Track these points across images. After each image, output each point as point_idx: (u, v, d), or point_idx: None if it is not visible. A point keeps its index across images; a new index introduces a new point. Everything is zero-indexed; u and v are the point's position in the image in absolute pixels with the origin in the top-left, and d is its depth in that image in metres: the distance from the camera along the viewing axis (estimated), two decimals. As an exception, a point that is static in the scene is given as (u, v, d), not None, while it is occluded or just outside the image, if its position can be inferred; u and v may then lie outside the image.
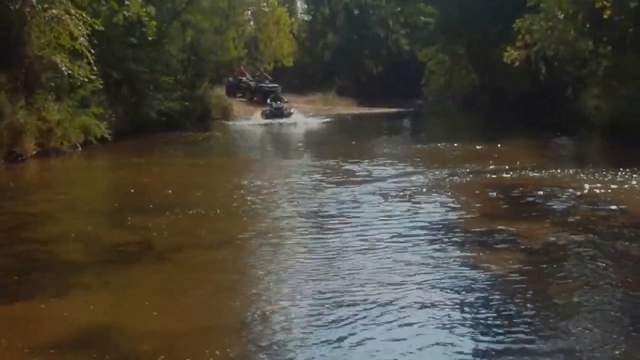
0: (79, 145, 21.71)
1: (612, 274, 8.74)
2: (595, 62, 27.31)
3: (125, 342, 6.68)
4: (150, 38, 27.78)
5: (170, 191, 15.20)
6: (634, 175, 15.50)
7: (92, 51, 20.91)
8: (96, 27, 21.46)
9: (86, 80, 21.79)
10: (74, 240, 10.77)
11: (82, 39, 20.43)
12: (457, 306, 7.53)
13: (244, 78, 45.99)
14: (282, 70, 49.16)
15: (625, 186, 14.51)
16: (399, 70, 54.89)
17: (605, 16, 24.09)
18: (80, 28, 20.55)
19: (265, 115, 34.37)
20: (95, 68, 21.43)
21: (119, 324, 7.10)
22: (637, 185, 14.51)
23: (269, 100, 36.36)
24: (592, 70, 27.53)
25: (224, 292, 8.27)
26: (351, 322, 7.04)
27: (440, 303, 7.62)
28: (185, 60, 33.56)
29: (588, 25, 26.89)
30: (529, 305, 7.59)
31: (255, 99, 41.57)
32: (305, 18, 64.19)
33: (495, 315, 7.28)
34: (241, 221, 11.99)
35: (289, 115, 34.62)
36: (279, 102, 35.79)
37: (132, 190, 15.43)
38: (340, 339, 6.65)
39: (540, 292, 7.97)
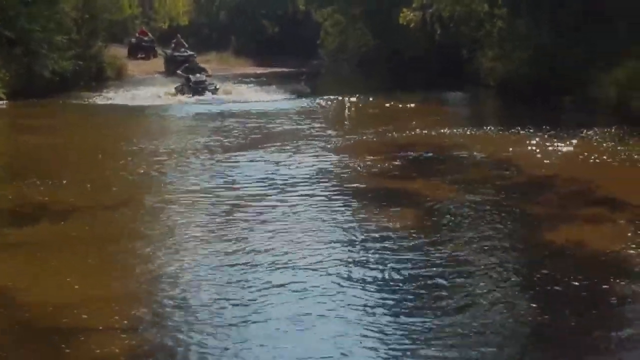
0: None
1: (506, 231, 9.00)
2: (491, 23, 27.81)
3: (28, 306, 6.64)
4: (43, -5, 26.98)
5: (69, 153, 14.97)
6: (526, 134, 15.95)
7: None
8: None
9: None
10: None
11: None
12: (346, 263, 7.80)
13: (145, 37, 45.33)
14: (177, 29, 48.26)
15: (518, 146, 14.90)
16: (296, 31, 54.66)
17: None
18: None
19: (180, 91, 27.01)
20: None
21: (21, 288, 7.06)
22: (529, 145, 14.91)
23: (179, 71, 28.93)
24: (488, 32, 28.02)
25: (130, 253, 8.33)
26: (252, 284, 7.30)
27: (330, 259, 7.91)
28: (79, 19, 32.69)
29: (483, -13, 27.36)
30: (420, 263, 7.77)
31: (171, 69, 34.79)
32: (200, -24, 63.18)
33: (385, 272, 7.47)
34: (140, 184, 12.10)
35: (214, 91, 26.96)
36: (197, 75, 27.73)
37: (30, 152, 15.14)
38: (245, 300, 6.89)
39: (433, 250, 8.15)
